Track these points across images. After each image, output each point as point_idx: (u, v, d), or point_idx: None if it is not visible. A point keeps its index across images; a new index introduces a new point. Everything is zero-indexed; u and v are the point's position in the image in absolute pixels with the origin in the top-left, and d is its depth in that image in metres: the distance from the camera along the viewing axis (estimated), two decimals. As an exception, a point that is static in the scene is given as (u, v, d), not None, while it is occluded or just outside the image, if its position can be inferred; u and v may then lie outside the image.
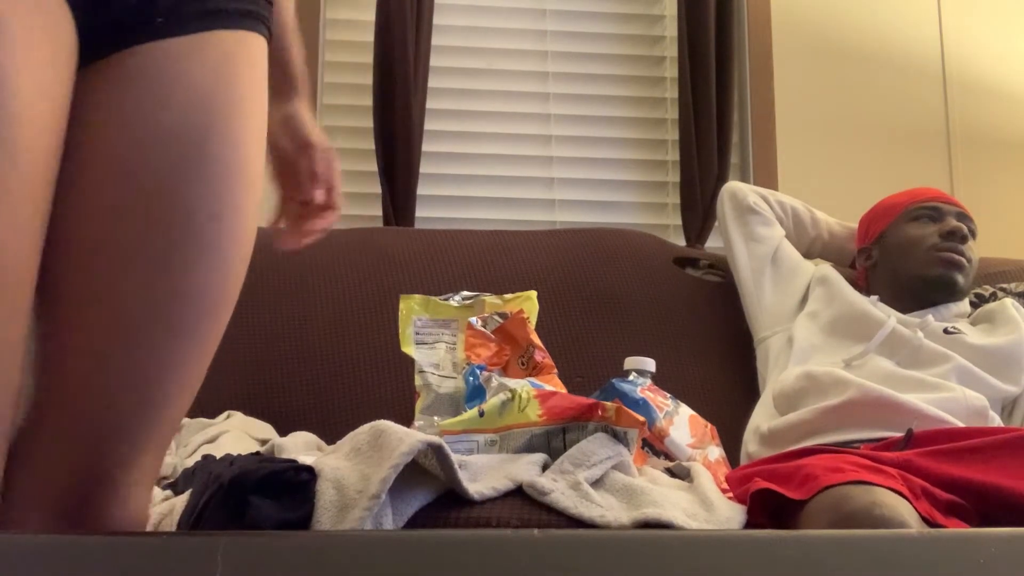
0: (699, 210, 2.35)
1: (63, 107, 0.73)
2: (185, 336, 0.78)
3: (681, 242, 2.35)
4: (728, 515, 1.19)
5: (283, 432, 1.62)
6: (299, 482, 1.06)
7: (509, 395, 1.28)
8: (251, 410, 1.71)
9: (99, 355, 0.76)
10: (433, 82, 2.39)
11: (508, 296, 1.59)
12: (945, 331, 1.70)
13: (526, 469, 1.17)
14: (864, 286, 1.89)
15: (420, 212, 2.34)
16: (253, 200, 0.82)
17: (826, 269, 1.90)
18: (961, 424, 1.51)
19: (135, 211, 0.76)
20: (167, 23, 0.78)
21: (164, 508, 1.15)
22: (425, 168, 2.36)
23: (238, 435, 1.55)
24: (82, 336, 0.77)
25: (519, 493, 1.14)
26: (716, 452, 1.48)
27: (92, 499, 0.78)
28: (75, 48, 0.75)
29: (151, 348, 0.77)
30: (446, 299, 1.56)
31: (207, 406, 1.65)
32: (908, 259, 1.80)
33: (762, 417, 1.71)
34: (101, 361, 0.77)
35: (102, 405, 0.77)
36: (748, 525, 1.19)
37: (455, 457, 1.11)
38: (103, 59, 0.78)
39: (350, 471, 1.08)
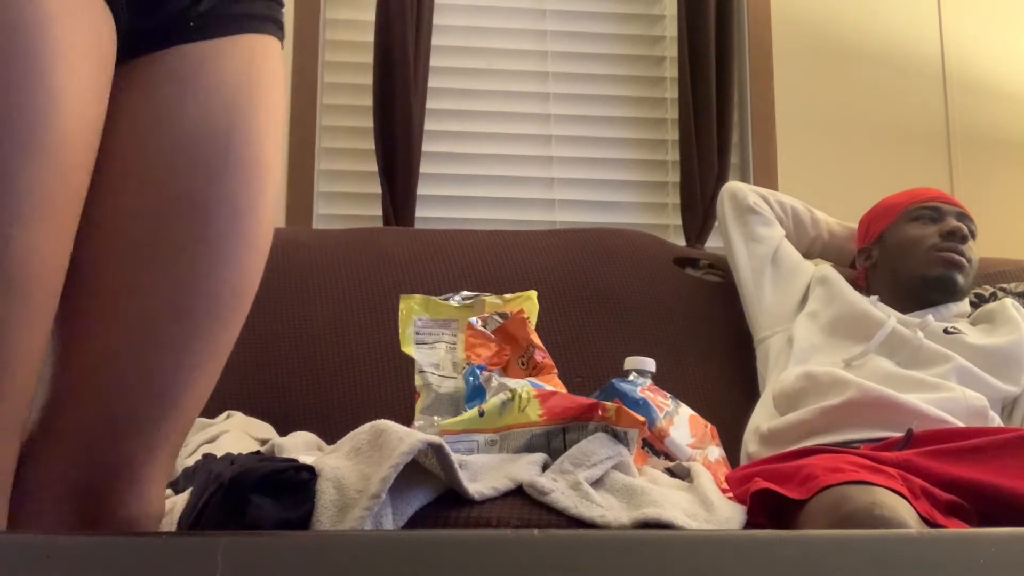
0: (699, 210, 2.35)
1: (103, 112, 0.74)
2: (202, 333, 0.79)
3: (681, 242, 2.35)
4: (728, 515, 1.19)
5: (283, 432, 1.62)
6: (299, 481, 1.06)
7: (509, 395, 1.28)
8: (251, 410, 1.71)
9: (116, 351, 0.77)
10: (433, 82, 2.39)
11: (508, 296, 1.59)
12: (945, 331, 1.70)
13: (526, 469, 1.17)
14: (864, 286, 1.89)
15: (420, 212, 2.34)
16: (270, 200, 0.83)
17: (826, 269, 1.90)
18: (961, 424, 1.52)
19: (158, 209, 0.78)
20: (198, 27, 0.80)
21: (164, 507, 1.15)
22: (425, 168, 2.36)
23: (238, 435, 1.55)
24: (100, 332, 0.77)
25: (519, 493, 1.14)
26: (716, 452, 1.48)
27: (110, 494, 0.78)
28: (114, 50, 0.75)
29: (168, 345, 0.78)
30: (446, 299, 1.56)
31: (207, 406, 1.64)
32: (908, 259, 1.80)
33: (762, 417, 1.71)
34: (118, 357, 0.77)
35: (118, 401, 0.78)
36: (748, 525, 1.20)
37: (455, 457, 1.11)
38: (135, 60, 0.79)
39: (350, 471, 1.08)
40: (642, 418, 1.28)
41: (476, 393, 1.36)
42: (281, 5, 0.88)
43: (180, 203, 0.78)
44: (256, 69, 0.82)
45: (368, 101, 2.32)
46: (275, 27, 0.86)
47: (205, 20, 0.80)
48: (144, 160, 0.78)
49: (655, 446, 1.40)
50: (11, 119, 0.66)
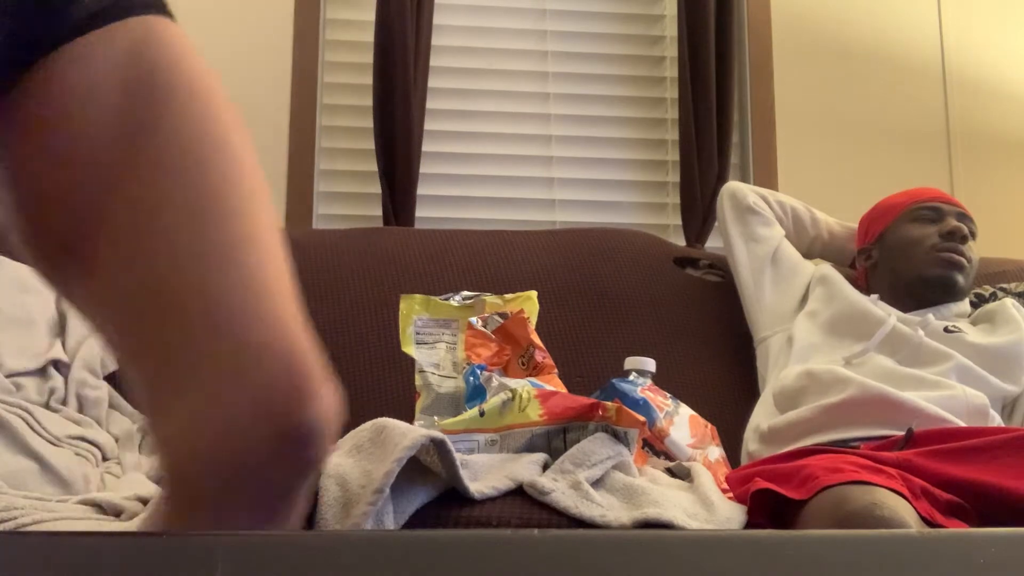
0: (699, 210, 2.35)
1: None
2: (220, 225, 0.77)
3: (681, 242, 2.35)
4: (728, 515, 1.19)
5: (283, 432, 1.62)
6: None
7: (509, 395, 1.28)
8: (251, 410, 1.71)
9: (158, 288, 0.75)
10: (433, 82, 2.39)
11: (508, 296, 1.59)
12: (946, 330, 1.70)
13: (527, 469, 1.17)
14: (864, 286, 1.89)
15: (420, 212, 2.34)
16: (229, 117, 0.83)
17: (826, 268, 1.90)
18: (961, 422, 1.52)
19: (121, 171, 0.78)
20: (80, 27, 0.82)
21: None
22: (425, 168, 2.37)
23: (238, 435, 1.55)
24: (141, 292, 0.75)
25: (519, 493, 1.14)
26: (716, 452, 1.48)
27: (286, 400, 0.76)
28: None
29: (201, 251, 0.76)
30: (446, 299, 1.56)
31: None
32: (908, 259, 1.80)
33: (762, 416, 1.71)
34: (168, 293, 0.75)
35: (203, 317, 0.75)
36: (748, 525, 1.20)
37: (456, 455, 1.11)
38: (28, 72, 0.80)
39: (352, 467, 1.08)
40: (642, 418, 1.28)
41: (476, 393, 1.36)
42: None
43: (155, 153, 0.78)
44: (155, 34, 0.84)
45: (368, 101, 2.32)
46: (159, 11, 0.87)
47: (85, 20, 0.82)
48: (88, 137, 0.78)
49: (655, 446, 1.40)
50: None
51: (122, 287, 0.77)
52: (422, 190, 2.35)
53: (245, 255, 0.77)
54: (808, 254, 2.02)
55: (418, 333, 1.51)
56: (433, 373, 1.45)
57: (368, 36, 2.35)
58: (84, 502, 1.21)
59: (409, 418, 1.40)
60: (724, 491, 1.30)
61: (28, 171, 0.80)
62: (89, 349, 1.66)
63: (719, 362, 1.94)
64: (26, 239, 0.81)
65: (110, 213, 0.78)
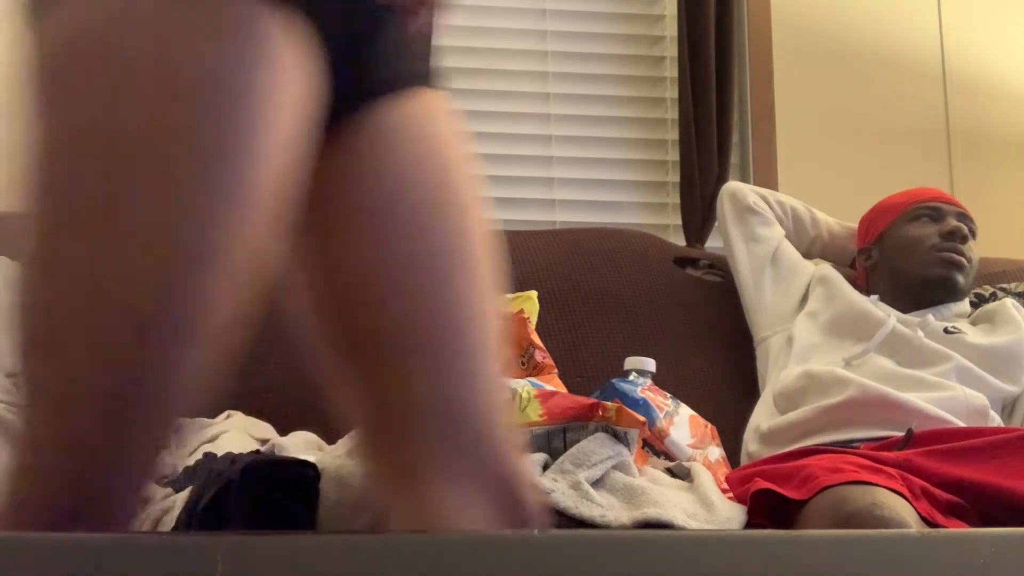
0: (699, 210, 2.35)
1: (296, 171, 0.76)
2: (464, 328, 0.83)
3: (681, 242, 2.35)
4: (728, 515, 1.19)
5: (283, 432, 1.62)
6: (305, 479, 1.06)
7: (509, 395, 1.28)
8: (251, 410, 1.71)
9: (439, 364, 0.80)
10: (433, 82, 2.39)
11: (508, 296, 1.59)
12: (945, 331, 1.70)
13: (526, 469, 1.17)
14: (864, 286, 1.89)
15: (420, 212, 2.34)
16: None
17: (826, 269, 1.90)
18: (961, 423, 1.52)
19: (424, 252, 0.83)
20: (387, 85, 0.85)
21: (165, 504, 1.15)
22: (425, 168, 2.36)
23: (238, 435, 1.55)
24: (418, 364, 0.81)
25: (519, 493, 1.14)
26: (716, 452, 1.48)
27: (507, 485, 0.80)
28: (316, 111, 0.77)
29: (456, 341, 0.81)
30: (446, 299, 1.56)
31: (207, 406, 1.64)
32: (908, 259, 1.80)
33: (762, 416, 1.71)
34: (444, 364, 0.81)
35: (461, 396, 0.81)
36: (748, 525, 1.20)
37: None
38: (342, 122, 0.82)
39: (353, 468, 1.08)
40: (642, 418, 1.28)
41: (476, 393, 1.36)
42: (434, 62, 0.92)
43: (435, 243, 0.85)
44: (442, 114, 0.90)
45: (368, 101, 2.32)
46: (437, 80, 0.92)
47: (391, 80, 0.85)
48: (395, 210, 0.83)
49: (655, 446, 1.40)
50: (212, 167, 0.67)
51: (399, 390, 0.82)
52: (422, 190, 2.35)
53: (493, 380, 0.83)
54: (808, 254, 2.02)
55: (418, 333, 1.51)
56: (433, 373, 1.45)
57: (368, 36, 2.34)
58: (84, 502, 1.21)
59: (409, 418, 1.40)
60: (724, 491, 1.30)
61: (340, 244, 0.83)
62: (89, 349, 1.65)
63: (719, 362, 1.94)
64: (329, 331, 0.86)
65: (412, 308, 0.82)
